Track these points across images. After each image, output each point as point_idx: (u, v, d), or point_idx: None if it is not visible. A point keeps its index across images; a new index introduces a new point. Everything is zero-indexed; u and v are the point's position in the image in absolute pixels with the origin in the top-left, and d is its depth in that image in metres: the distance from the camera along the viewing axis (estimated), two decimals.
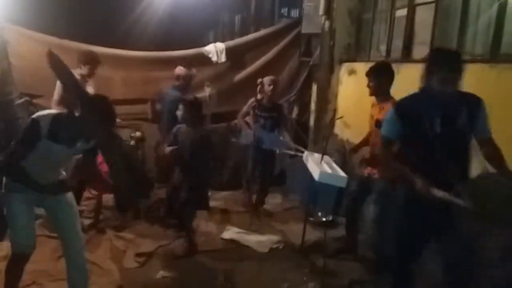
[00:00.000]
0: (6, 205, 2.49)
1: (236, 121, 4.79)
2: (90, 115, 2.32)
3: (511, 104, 2.58)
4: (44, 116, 2.39)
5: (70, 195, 2.65)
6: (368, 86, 3.34)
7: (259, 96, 4.39)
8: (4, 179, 2.49)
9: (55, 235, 3.20)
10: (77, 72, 4.09)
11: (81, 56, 4.11)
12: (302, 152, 4.36)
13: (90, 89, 4.22)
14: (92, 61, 4.11)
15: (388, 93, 3.30)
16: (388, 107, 3.20)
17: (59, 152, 2.43)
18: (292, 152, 4.46)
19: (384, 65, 3.37)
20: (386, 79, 3.28)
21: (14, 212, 2.47)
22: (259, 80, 4.50)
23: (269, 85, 4.39)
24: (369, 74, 3.34)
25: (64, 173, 2.67)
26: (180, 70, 4.69)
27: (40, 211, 2.90)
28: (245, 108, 4.54)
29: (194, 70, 4.80)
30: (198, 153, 3.72)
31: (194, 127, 3.75)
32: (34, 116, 2.42)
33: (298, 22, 5.57)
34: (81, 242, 2.67)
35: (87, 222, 4.09)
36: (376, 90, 3.32)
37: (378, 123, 3.29)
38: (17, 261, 2.53)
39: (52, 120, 2.37)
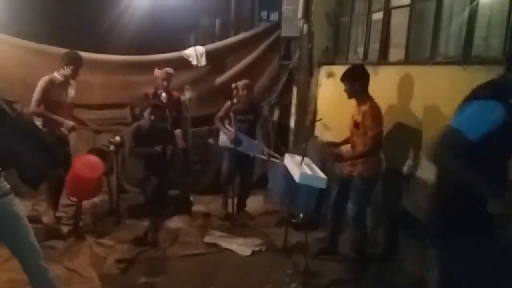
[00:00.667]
0: None
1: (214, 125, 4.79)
2: None
3: None
4: None
5: (14, 207, 2.38)
6: (345, 90, 3.41)
7: (234, 100, 4.42)
8: None
9: None
10: (60, 73, 4.03)
11: (64, 57, 4.04)
12: (276, 158, 4.43)
13: (71, 91, 4.16)
14: (75, 61, 4.05)
15: (366, 94, 3.37)
16: (366, 108, 3.28)
17: None
18: (265, 158, 4.52)
19: (357, 69, 3.44)
20: (360, 82, 3.35)
21: None
22: (233, 84, 4.54)
23: (243, 89, 4.43)
24: (343, 79, 3.41)
25: None
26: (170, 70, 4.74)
27: None
28: (221, 112, 4.55)
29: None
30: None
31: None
32: None
33: (277, 25, 5.61)
34: (37, 253, 2.43)
35: (66, 229, 4.04)
36: (353, 93, 3.39)
37: (356, 125, 3.37)
38: None
39: None
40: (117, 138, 4.46)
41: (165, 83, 4.66)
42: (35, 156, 2.42)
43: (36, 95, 3.90)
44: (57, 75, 4.02)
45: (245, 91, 4.42)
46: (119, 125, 5.19)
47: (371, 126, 3.24)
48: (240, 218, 4.59)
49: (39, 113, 3.93)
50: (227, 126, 4.50)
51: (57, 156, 2.80)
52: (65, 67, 4.01)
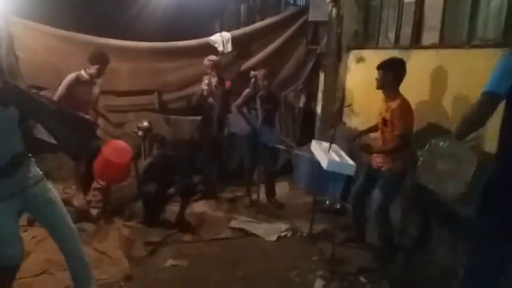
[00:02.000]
0: None
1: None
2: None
3: None
4: None
5: (49, 192, 2.47)
6: (376, 79, 3.28)
7: (252, 89, 4.40)
8: None
9: None
10: (86, 72, 4.11)
11: (90, 56, 4.11)
12: (292, 147, 4.38)
13: (96, 89, 4.24)
14: (101, 61, 4.10)
15: (396, 90, 3.23)
16: (395, 106, 3.16)
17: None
18: (284, 148, 4.48)
19: (397, 61, 3.27)
20: (395, 75, 3.20)
21: None
22: (252, 73, 4.50)
23: (263, 78, 4.38)
24: (379, 67, 3.27)
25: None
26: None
27: None
28: (240, 100, 4.51)
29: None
30: None
31: None
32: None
33: (304, 10, 5.48)
34: (74, 235, 2.54)
35: (95, 211, 4.14)
36: (383, 85, 3.25)
37: (384, 122, 3.27)
38: (2, 273, 2.35)
39: None
40: (145, 123, 4.52)
41: (209, 70, 4.66)
42: (72, 130, 2.50)
43: (60, 90, 4.00)
44: (83, 74, 4.11)
45: (265, 81, 4.37)
46: (146, 111, 5.25)
47: (399, 125, 3.11)
48: (271, 206, 4.58)
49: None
50: (246, 114, 4.48)
51: (90, 128, 2.96)
52: (91, 66, 4.08)
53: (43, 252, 3.30)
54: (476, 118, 2.01)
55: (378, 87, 3.29)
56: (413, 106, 3.19)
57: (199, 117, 4.87)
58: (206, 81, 4.58)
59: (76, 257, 2.57)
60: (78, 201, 4.20)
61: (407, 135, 3.14)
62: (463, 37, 3.21)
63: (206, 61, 4.70)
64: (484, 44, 2.97)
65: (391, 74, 3.19)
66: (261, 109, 4.37)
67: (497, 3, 2.95)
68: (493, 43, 2.89)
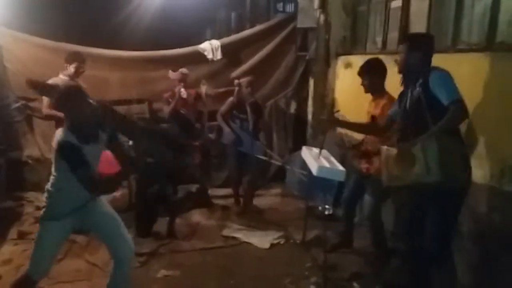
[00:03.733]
0: (39, 232, 2.46)
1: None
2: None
3: (506, 93, 2.55)
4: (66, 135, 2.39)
5: (103, 203, 2.65)
6: (362, 84, 3.33)
7: (236, 97, 4.41)
8: (46, 205, 2.46)
9: None
10: (65, 73, 4.14)
11: (66, 57, 4.19)
12: (278, 160, 4.39)
13: None
14: (76, 58, 4.16)
15: (382, 88, 3.28)
16: (385, 101, 3.19)
17: (91, 152, 2.44)
18: (265, 158, 4.48)
19: (374, 62, 3.34)
20: (378, 76, 3.26)
21: (44, 242, 2.43)
22: (236, 81, 4.51)
23: (247, 86, 4.40)
24: (360, 73, 3.33)
25: None
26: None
27: None
28: (223, 108, 4.52)
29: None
30: None
31: None
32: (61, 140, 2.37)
33: (293, 16, 5.53)
34: (128, 246, 2.62)
35: None
36: (370, 88, 3.31)
37: (373, 119, 3.29)
38: (27, 283, 2.47)
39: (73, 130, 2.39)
40: None
41: (182, 84, 4.69)
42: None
43: (44, 98, 4.05)
44: (62, 76, 4.16)
45: (249, 89, 4.38)
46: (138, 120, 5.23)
47: None
48: (248, 213, 4.56)
49: (51, 115, 4.04)
50: (230, 123, 4.50)
51: None
52: (68, 65, 4.14)
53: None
54: (459, 122, 2.30)
55: (366, 91, 3.33)
56: None
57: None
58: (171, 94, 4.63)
59: (124, 277, 2.64)
60: None
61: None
62: (448, 42, 3.25)
63: (176, 74, 4.72)
64: (468, 49, 3.01)
65: (374, 75, 3.25)
66: (243, 118, 4.38)
67: (481, 8, 3.00)
68: (477, 48, 2.93)
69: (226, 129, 4.49)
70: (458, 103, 2.34)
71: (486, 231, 2.68)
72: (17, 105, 4.88)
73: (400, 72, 2.98)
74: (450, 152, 2.35)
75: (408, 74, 2.67)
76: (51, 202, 2.45)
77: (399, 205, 3.39)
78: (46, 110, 4.07)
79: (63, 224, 2.44)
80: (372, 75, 3.27)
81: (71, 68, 4.13)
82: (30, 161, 4.99)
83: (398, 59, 2.76)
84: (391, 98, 3.21)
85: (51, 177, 2.48)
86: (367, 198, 3.33)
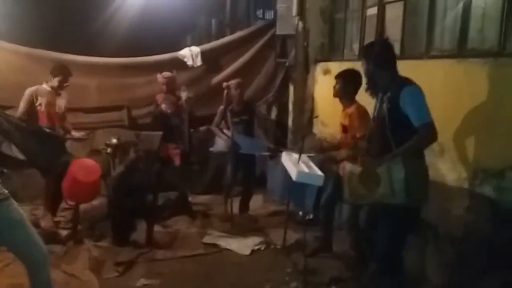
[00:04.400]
0: None
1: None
2: None
3: (477, 97, 2.63)
4: None
5: (12, 212, 2.36)
6: (334, 87, 3.43)
7: (225, 102, 4.41)
8: None
9: None
10: (48, 85, 4.08)
11: (52, 69, 4.12)
12: (281, 151, 4.38)
13: (62, 101, 4.19)
14: (62, 73, 4.10)
15: (353, 98, 3.38)
16: (352, 111, 3.31)
17: None
18: (269, 153, 4.47)
19: (352, 72, 3.42)
20: (351, 85, 3.35)
21: None
22: (225, 84, 4.50)
23: (236, 88, 4.40)
24: (337, 77, 3.44)
25: None
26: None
27: None
28: (216, 117, 4.52)
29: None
30: None
31: None
32: None
33: (272, 23, 5.59)
34: (43, 255, 2.41)
35: (64, 233, 4.02)
36: (340, 93, 3.41)
37: (344, 129, 3.39)
38: None
39: None
40: (114, 140, 4.45)
41: (164, 87, 4.66)
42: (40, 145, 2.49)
43: (21, 105, 4.00)
44: (44, 86, 4.11)
45: (238, 90, 4.39)
46: (116, 127, 5.17)
47: (359, 127, 3.24)
48: (244, 221, 4.54)
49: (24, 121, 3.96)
50: (225, 130, 4.46)
51: (58, 142, 2.97)
52: (52, 78, 4.08)
53: (9, 277, 3.17)
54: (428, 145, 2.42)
55: (335, 95, 3.43)
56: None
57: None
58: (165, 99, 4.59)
59: (43, 283, 2.44)
60: (46, 222, 4.08)
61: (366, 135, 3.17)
62: (422, 48, 3.34)
63: (161, 78, 4.70)
64: (441, 55, 3.10)
65: (349, 84, 3.34)
66: (236, 121, 4.36)
67: (452, 16, 3.09)
68: (449, 54, 3.02)
69: (223, 137, 4.44)
70: (429, 125, 2.31)
71: (460, 233, 2.74)
72: None
73: (334, 96, 3.28)
74: (415, 175, 2.36)
75: (371, 83, 2.62)
76: None
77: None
78: (20, 116, 3.98)
79: None
80: (344, 82, 3.37)
81: (55, 81, 4.07)
82: (4, 170, 4.86)
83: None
84: (359, 107, 3.31)
85: None
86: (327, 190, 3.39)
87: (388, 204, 2.43)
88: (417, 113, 2.33)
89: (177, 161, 4.60)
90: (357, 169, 2.56)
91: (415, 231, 2.72)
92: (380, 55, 2.54)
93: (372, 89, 2.62)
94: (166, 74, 4.74)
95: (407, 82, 2.47)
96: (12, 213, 2.36)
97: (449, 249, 2.82)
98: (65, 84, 4.15)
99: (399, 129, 2.38)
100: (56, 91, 4.13)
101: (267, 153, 4.57)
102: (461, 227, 2.72)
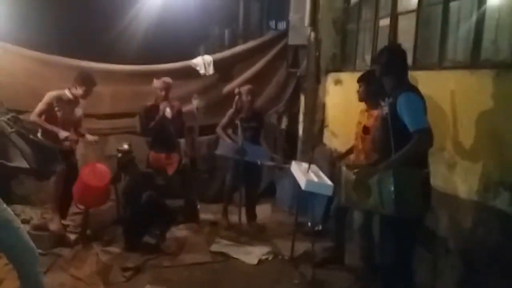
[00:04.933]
0: None
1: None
2: None
3: (490, 108, 2.60)
4: None
5: (3, 212, 2.40)
6: (358, 91, 3.36)
7: (236, 107, 4.40)
8: None
9: None
10: (71, 92, 4.11)
11: (77, 77, 4.11)
12: (284, 163, 4.37)
13: (79, 110, 4.23)
14: (88, 83, 4.11)
15: (376, 100, 3.30)
16: (376, 114, 3.22)
17: None
18: (273, 163, 4.45)
19: (374, 73, 3.37)
20: (375, 87, 3.28)
21: None
22: (237, 90, 4.50)
23: (247, 95, 4.41)
24: (359, 80, 3.37)
25: None
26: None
27: None
28: (224, 120, 4.52)
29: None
30: None
31: None
32: None
33: (284, 34, 5.62)
34: (34, 258, 2.43)
35: (73, 237, 4.04)
36: (365, 97, 3.34)
37: (366, 130, 3.31)
38: None
39: None
40: (125, 146, 4.48)
41: (163, 93, 4.53)
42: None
43: (39, 106, 3.99)
44: (67, 93, 4.10)
45: (249, 97, 4.40)
46: (128, 133, 5.22)
47: None
48: (252, 229, 4.52)
49: (38, 123, 4.01)
50: (231, 134, 4.47)
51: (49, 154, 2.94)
52: (77, 87, 4.08)
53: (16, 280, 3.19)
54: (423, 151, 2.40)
55: (360, 99, 3.37)
56: None
57: (182, 139, 4.86)
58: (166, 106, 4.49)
59: (32, 284, 2.43)
60: (55, 225, 4.09)
61: None
62: (434, 60, 3.31)
63: (161, 83, 4.55)
64: (454, 66, 3.07)
65: (372, 85, 3.26)
66: (245, 127, 4.34)
67: (465, 27, 3.07)
68: (462, 65, 2.99)
69: (227, 140, 4.45)
70: (424, 131, 2.30)
71: (472, 247, 2.67)
72: (7, 117, 4.85)
73: (360, 101, 3.23)
74: (406, 186, 2.31)
75: (367, 102, 2.71)
76: None
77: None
78: (34, 117, 3.99)
79: None
80: (368, 84, 3.29)
81: (80, 90, 4.07)
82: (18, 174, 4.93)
83: None
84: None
85: None
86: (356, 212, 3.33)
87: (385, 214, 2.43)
88: (412, 118, 2.34)
89: (170, 170, 4.53)
90: (351, 176, 2.54)
91: (422, 242, 2.67)
92: (388, 60, 2.59)
93: (379, 94, 2.69)
94: (167, 79, 4.58)
95: (409, 89, 2.48)
96: (3, 213, 2.38)
97: (461, 263, 2.76)
98: (89, 94, 4.18)
99: (399, 134, 2.38)
100: (77, 99, 4.14)
101: (271, 163, 4.54)
102: (473, 240, 2.66)
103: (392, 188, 2.27)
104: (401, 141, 2.36)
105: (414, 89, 2.51)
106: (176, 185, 4.69)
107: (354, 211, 3.41)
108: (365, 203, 2.44)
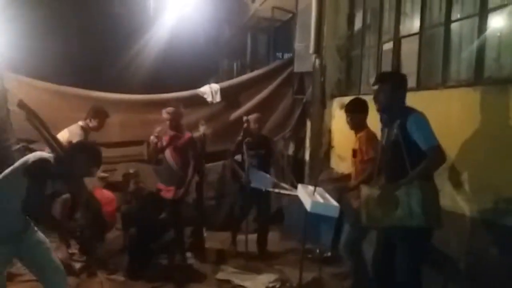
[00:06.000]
0: None
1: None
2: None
3: (495, 125, 2.56)
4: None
5: (36, 230, 2.60)
6: (347, 121, 3.44)
7: (243, 134, 4.41)
8: None
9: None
10: (86, 124, 4.25)
11: (91, 110, 4.28)
12: (290, 190, 4.31)
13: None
14: (101, 115, 4.27)
15: (362, 124, 3.39)
16: (361, 134, 3.33)
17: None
18: (278, 191, 4.41)
19: (358, 101, 3.50)
20: (360, 114, 3.39)
21: None
22: (245, 118, 4.53)
23: (255, 123, 4.45)
24: (346, 110, 3.47)
25: None
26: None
27: None
28: (232, 148, 4.55)
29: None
30: None
31: None
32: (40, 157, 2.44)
33: (290, 62, 5.72)
34: (64, 278, 2.59)
35: (78, 265, 3.99)
36: (354, 124, 3.42)
37: (354, 153, 3.37)
38: None
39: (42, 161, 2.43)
40: (131, 170, 4.50)
41: (167, 123, 4.38)
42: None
43: (66, 142, 4.07)
44: (81, 123, 4.25)
45: (257, 125, 4.43)
46: (135, 161, 5.24)
47: (367, 149, 3.23)
48: (263, 258, 4.44)
49: None
50: (239, 160, 4.46)
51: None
52: (92, 119, 4.24)
53: None
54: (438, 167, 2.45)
55: (352, 128, 3.43)
56: None
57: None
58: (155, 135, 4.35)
59: None
60: (61, 254, 4.05)
61: (376, 159, 3.04)
62: (438, 80, 3.31)
63: (164, 113, 4.41)
64: (458, 84, 3.06)
65: (358, 113, 3.39)
66: (251, 154, 4.34)
67: (468, 46, 3.08)
68: (465, 83, 2.98)
69: (240, 172, 4.45)
70: (436, 148, 2.40)
71: (482, 266, 2.56)
72: (17, 146, 4.93)
73: (351, 129, 3.33)
74: (431, 197, 2.43)
75: (384, 111, 2.70)
76: None
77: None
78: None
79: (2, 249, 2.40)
80: (355, 114, 3.41)
81: (94, 122, 4.24)
82: None
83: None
84: (368, 131, 3.33)
85: None
86: (346, 228, 3.26)
87: (402, 228, 2.43)
88: (424, 137, 2.43)
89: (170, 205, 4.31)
90: (375, 192, 2.53)
91: (433, 263, 2.58)
92: (396, 83, 2.68)
93: (384, 116, 2.73)
94: (170, 109, 4.39)
95: (411, 110, 2.58)
96: (36, 234, 2.55)
97: (470, 282, 2.63)
98: (103, 125, 4.29)
99: (413, 153, 2.43)
100: (89, 130, 4.27)
101: (276, 190, 4.48)
102: (483, 260, 2.55)
103: (420, 198, 2.36)
104: (415, 159, 2.43)
105: (417, 111, 2.59)
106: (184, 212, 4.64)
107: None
108: (391, 217, 2.46)
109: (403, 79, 2.74)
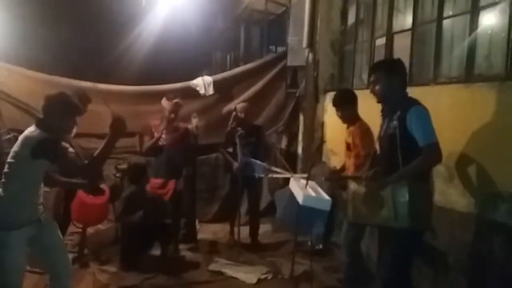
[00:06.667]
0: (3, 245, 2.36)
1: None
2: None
3: (486, 121, 2.61)
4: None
5: (50, 217, 2.73)
6: (337, 115, 3.42)
7: (231, 124, 4.45)
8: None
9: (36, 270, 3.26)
10: None
11: (73, 95, 4.16)
12: (280, 173, 4.36)
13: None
14: (83, 100, 4.16)
15: (355, 116, 3.36)
16: (355, 128, 3.28)
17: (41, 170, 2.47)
18: (271, 175, 4.46)
19: (343, 92, 3.48)
20: (348, 106, 3.35)
21: (11, 254, 2.35)
22: (233, 107, 4.58)
23: (241, 112, 4.50)
24: (333, 104, 3.43)
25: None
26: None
27: None
28: (224, 139, 4.60)
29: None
30: None
31: None
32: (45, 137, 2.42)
33: (283, 55, 5.73)
34: (69, 262, 2.74)
35: (71, 256, 3.99)
36: (344, 118, 3.40)
37: (348, 146, 3.37)
38: None
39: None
40: (124, 165, 4.49)
41: (172, 115, 4.45)
42: None
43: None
44: None
45: (243, 114, 4.46)
46: (127, 153, 5.24)
47: (361, 145, 3.20)
48: (253, 248, 4.50)
49: None
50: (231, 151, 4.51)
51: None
52: None
53: None
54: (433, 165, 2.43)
55: (344, 121, 3.42)
56: None
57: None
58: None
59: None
60: None
61: (372, 154, 3.04)
62: (430, 76, 3.35)
63: (170, 104, 4.46)
64: (449, 81, 3.11)
65: (347, 105, 3.35)
66: (243, 143, 4.36)
67: (459, 43, 3.12)
68: (456, 80, 3.03)
69: (230, 159, 4.50)
70: (433, 146, 2.30)
71: (472, 261, 2.63)
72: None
73: (343, 123, 3.25)
74: (419, 199, 2.32)
75: (383, 101, 2.59)
76: (6, 210, 2.41)
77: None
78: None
79: (22, 234, 2.41)
80: (342, 105, 3.37)
81: None
82: None
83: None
84: (362, 124, 3.29)
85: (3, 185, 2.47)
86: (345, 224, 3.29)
87: (388, 228, 2.39)
88: (422, 133, 2.33)
89: (166, 197, 4.38)
90: (362, 189, 2.52)
91: (422, 258, 2.63)
92: (389, 70, 2.56)
93: (384, 106, 2.62)
94: (174, 100, 4.46)
95: (414, 102, 2.49)
96: (56, 231, 2.65)
97: (461, 278, 2.70)
98: (85, 109, 4.21)
99: (409, 148, 2.36)
100: None
101: (270, 175, 4.53)
102: (473, 254, 2.62)
103: (407, 200, 2.27)
104: (410, 154, 2.35)
105: (420, 103, 2.49)
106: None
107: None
108: (376, 216, 2.40)
109: (398, 65, 2.59)
